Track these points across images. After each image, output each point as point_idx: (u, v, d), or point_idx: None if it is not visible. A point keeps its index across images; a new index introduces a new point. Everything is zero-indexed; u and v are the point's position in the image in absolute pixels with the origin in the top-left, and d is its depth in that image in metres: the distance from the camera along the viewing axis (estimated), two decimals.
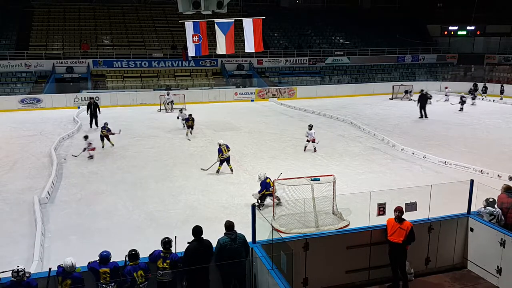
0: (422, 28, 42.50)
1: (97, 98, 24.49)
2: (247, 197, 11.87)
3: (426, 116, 23.63)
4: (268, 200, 11.21)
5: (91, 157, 15.76)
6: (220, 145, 13.98)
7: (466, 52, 39.03)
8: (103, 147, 17.08)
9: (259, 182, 11.23)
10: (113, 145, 17.28)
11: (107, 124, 17.50)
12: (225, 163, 14.02)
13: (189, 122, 19.21)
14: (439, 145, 17.79)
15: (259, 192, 11.23)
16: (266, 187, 11.07)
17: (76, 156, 15.87)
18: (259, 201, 11.12)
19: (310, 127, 16.72)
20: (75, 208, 11.41)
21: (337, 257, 7.48)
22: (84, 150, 15.76)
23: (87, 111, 21.67)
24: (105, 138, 17.17)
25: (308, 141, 16.58)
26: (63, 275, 5.96)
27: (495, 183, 11.06)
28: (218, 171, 13.98)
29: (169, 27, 36.07)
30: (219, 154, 13.93)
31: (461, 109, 25.93)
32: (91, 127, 21.13)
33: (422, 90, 24.57)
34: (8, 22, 33.17)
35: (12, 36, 32.37)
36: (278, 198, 11.04)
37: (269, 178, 11.18)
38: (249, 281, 6.90)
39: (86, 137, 15.95)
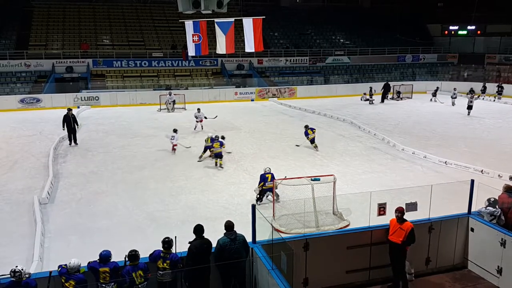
0: (423, 27, 42.50)
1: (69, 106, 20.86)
2: (247, 197, 11.88)
3: (383, 101, 29.99)
4: (269, 197, 11.31)
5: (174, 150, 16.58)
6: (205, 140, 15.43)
7: (467, 52, 39.01)
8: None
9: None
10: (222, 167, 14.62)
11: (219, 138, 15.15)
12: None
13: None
14: (440, 145, 17.78)
15: (258, 184, 11.41)
16: (264, 180, 11.23)
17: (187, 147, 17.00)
18: (258, 196, 11.26)
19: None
20: (75, 208, 11.40)
21: (337, 257, 7.47)
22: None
23: (63, 126, 17.65)
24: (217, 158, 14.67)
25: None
26: (66, 275, 5.96)
27: (495, 183, 11.05)
28: (200, 157, 15.37)
29: (169, 26, 36.05)
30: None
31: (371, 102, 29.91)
32: (70, 144, 17.73)
33: (387, 81, 31.19)
34: (8, 22, 33.15)
35: (12, 36, 32.36)
36: (277, 195, 11.10)
37: (271, 174, 11.30)
38: (249, 281, 6.89)
39: (175, 131, 16.82)
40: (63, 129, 17.76)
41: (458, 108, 26.71)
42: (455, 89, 28.95)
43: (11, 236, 9.75)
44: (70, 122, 17.57)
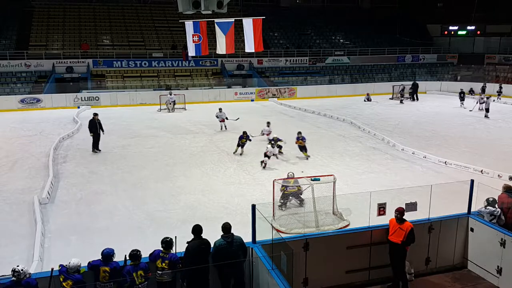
0: (422, 28, 42.51)
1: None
2: (247, 197, 11.88)
3: (417, 99, 30.69)
4: (293, 201, 11.23)
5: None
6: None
7: (466, 52, 39.03)
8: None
9: None
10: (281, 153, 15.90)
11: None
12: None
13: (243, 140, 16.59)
14: (439, 145, 17.78)
15: (280, 188, 11.17)
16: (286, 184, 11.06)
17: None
18: (282, 201, 11.03)
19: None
20: (75, 208, 11.40)
21: (337, 257, 7.47)
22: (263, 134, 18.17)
23: (90, 131, 16.51)
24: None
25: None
26: (65, 274, 5.97)
27: (495, 183, 11.06)
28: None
29: (169, 27, 36.06)
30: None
31: (401, 101, 30.06)
32: (94, 151, 16.56)
33: (415, 80, 32.29)
34: (8, 22, 33.16)
35: (12, 36, 32.35)
36: (302, 200, 10.98)
37: (293, 179, 11.11)
38: (249, 281, 6.89)
39: (268, 124, 18.61)
40: (90, 135, 16.54)
41: (460, 109, 26.66)
42: (483, 91, 27.49)
43: (11, 236, 9.75)
44: (96, 127, 16.47)
